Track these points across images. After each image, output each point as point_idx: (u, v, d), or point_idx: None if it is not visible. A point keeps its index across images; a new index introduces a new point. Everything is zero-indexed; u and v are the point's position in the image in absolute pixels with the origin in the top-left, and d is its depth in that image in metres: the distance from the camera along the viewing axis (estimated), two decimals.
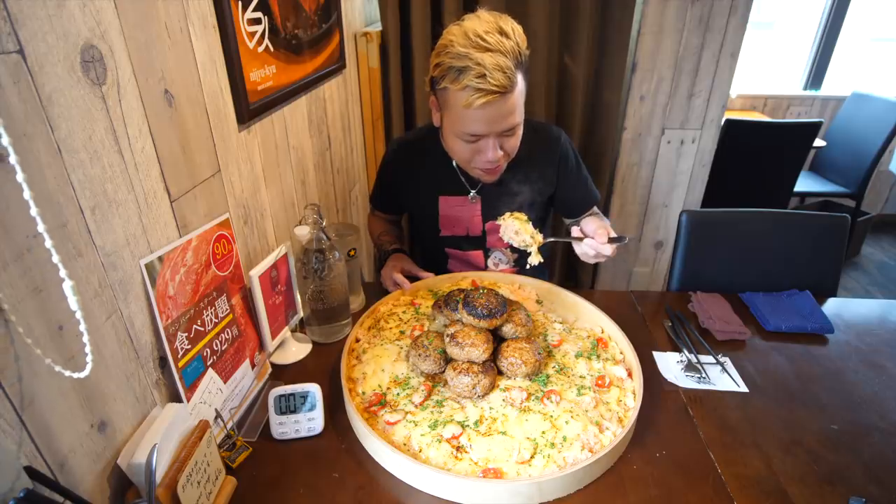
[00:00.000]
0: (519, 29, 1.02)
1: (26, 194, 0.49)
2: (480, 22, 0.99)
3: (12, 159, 0.48)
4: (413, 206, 1.40)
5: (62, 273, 0.53)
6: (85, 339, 0.57)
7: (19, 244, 0.53)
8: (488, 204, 1.29)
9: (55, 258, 0.52)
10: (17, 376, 0.53)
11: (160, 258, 0.74)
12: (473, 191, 1.27)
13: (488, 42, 0.96)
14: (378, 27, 1.89)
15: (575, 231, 1.05)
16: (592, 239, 1.00)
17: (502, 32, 0.98)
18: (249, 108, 1.01)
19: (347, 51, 1.70)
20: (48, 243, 0.52)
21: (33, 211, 0.50)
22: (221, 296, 0.88)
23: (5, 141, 0.48)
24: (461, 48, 0.97)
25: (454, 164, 1.25)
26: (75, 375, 0.56)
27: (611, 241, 0.99)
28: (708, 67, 2.02)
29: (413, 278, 1.23)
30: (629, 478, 0.81)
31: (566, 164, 1.29)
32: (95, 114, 0.62)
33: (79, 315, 0.55)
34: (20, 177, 0.48)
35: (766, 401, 0.97)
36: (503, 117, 1.04)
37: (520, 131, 1.13)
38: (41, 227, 0.51)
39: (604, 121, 2.05)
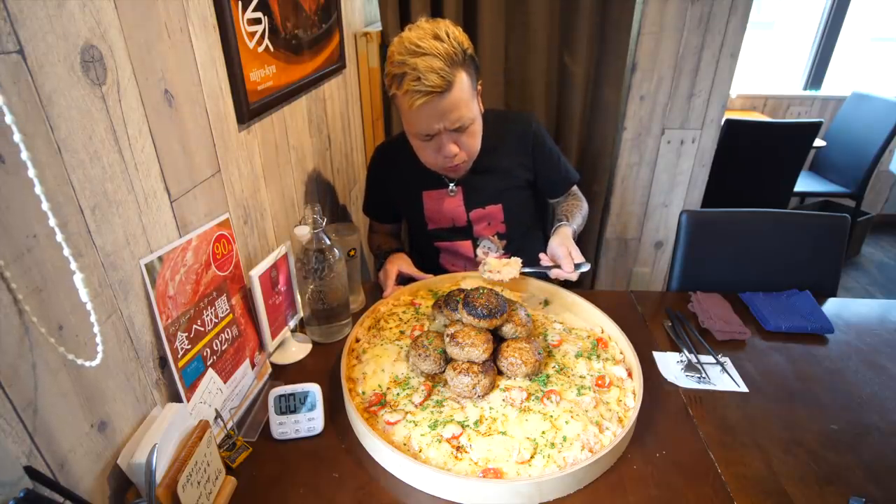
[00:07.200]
0: (455, 31, 1.09)
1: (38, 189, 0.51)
2: (417, 30, 1.08)
3: (24, 156, 0.49)
4: (401, 205, 1.44)
5: (73, 266, 0.55)
6: (96, 329, 0.59)
7: (21, 242, 0.53)
8: (469, 194, 1.34)
9: (66, 251, 0.54)
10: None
11: (160, 258, 0.74)
12: (452, 184, 1.32)
13: (422, 47, 1.04)
14: (378, 27, 1.89)
15: (545, 259, 1.14)
16: (559, 269, 1.11)
17: (436, 37, 1.05)
18: (249, 108, 1.01)
19: (347, 51, 1.70)
20: (59, 237, 0.53)
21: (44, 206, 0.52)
22: (221, 296, 0.88)
23: (17, 138, 0.49)
24: (399, 56, 1.06)
25: None
26: (87, 364, 0.58)
27: (575, 266, 1.10)
28: (708, 67, 2.02)
29: (409, 280, 1.23)
30: (629, 478, 0.81)
31: (541, 148, 1.35)
32: (95, 114, 0.62)
33: (89, 307, 0.57)
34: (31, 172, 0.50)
35: (766, 401, 0.97)
36: (447, 113, 1.09)
37: (476, 127, 1.17)
38: (52, 222, 0.53)
39: (604, 121, 2.05)
